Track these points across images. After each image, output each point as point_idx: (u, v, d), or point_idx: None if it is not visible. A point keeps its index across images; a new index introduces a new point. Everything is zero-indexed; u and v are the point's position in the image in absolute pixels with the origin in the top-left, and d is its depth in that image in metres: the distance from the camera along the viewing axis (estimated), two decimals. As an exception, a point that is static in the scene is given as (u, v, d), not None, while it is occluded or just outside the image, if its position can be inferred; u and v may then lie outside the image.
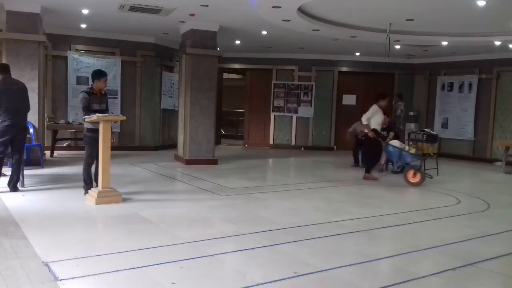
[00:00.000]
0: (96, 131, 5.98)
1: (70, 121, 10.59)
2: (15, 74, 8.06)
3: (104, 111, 6.16)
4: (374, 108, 8.55)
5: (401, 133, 11.34)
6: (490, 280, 3.87)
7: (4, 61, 8.40)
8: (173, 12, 8.72)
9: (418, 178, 8.01)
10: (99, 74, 6.30)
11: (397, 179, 9.02)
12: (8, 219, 4.93)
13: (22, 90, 6.47)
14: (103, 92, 6.30)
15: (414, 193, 7.69)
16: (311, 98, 14.09)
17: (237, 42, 11.86)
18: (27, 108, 6.56)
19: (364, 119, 8.55)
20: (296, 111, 14.18)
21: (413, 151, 8.27)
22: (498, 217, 6.05)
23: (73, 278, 3.36)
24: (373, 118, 8.50)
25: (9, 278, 3.31)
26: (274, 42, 11.87)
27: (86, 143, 6.26)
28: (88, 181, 6.22)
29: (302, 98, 14.13)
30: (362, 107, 12.82)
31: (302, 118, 14.19)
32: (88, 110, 6.08)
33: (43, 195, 6.28)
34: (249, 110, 14.67)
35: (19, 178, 6.40)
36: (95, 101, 6.16)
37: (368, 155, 8.88)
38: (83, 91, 6.33)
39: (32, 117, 8.45)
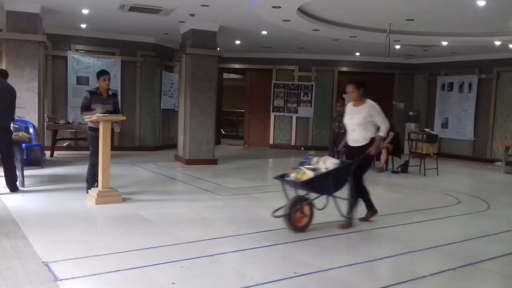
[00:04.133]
0: (96, 130, 6.00)
1: (70, 121, 10.59)
2: (15, 74, 8.11)
3: (110, 112, 6.09)
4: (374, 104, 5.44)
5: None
6: (490, 280, 3.87)
7: (4, 61, 8.41)
8: (173, 12, 8.72)
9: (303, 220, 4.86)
10: (98, 74, 6.33)
11: (397, 179, 9.03)
12: (8, 219, 4.93)
13: (6, 92, 6.28)
14: (110, 93, 6.29)
15: (414, 193, 7.69)
16: (311, 98, 14.09)
17: (237, 42, 11.86)
18: (11, 111, 6.36)
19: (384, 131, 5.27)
20: (296, 111, 14.18)
21: (300, 175, 4.80)
22: (498, 217, 6.05)
23: (73, 278, 3.36)
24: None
25: (9, 278, 3.31)
26: (274, 42, 11.87)
27: (88, 142, 6.32)
28: (90, 181, 6.21)
29: (302, 98, 14.13)
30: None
31: (302, 118, 14.19)
32: (85, 109, 6.09)
33: (43, 195, 6.27)
34: (249, 110, 14.67)
35: (16, 177, 6.36)
36: (98, 101, 6.13)
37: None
38: (87, 90, 6.38)
39: (32, 117, 8.48)
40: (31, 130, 8.41)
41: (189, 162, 9.76)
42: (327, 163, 4.89)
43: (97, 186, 6.01)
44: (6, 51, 8.46)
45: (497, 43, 10.15)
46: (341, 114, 10.90)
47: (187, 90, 9.91)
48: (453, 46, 11.08)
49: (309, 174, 4.74)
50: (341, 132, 10.75)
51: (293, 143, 14.21)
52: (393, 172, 9.71)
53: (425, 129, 10.42)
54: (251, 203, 6.36)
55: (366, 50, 12.57)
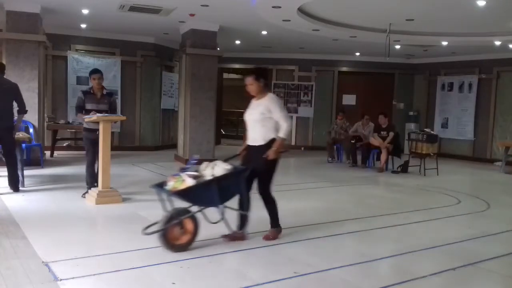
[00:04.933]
0: (89, 130, 6.03)
1: (70, 121, 10.59)
2: (15, 74, 8.11)
3: (105, 111, 6.09)
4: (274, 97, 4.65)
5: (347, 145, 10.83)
6: (490, 280, 3.86)
7: (4, 61, 8.37)
8: (173, 12, 8.72)
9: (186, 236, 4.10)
10: (89, 73, 6.34)
11: (397, 179, 9.03)
12: (8, 219, 4.93)
13: (9, 91, 6.24)
14: (104, 92, 6.28)
15: (414, 193, 7.69)
16: (311, 98, 14.09)
17: (237, 42, 11.86)
18: (22, 109, 6.35)
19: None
20: (296, 111, 14.18)
21: (179, 183, 4.12)
22: (498, 217, 6.05)
23: (73, 278, 3.36)
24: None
25: (9, 278, 3.31)
26: (274, 42, 11.87)
27: (83, 142, 6.35)
28: (88, 181, 6.20)
29: (302, 98, 14.13)
30: (362, 107, 12.87)
31: (302, 118, 14.19)
32: (80, 110, 6.11)
33: (43, 195, 6.27)
34: (249, 110, 14.63)
35: (18, 177, 6.37)
36: (92, 101, 6.13)
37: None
38: (81, 90, 6.42)
39: (32, 117, 8.47)
40: (31, 130, 8.42)
41: (189, 162, 9.75)
42: (216, 170, 4.22)
43: (97, 186, 6.02)
44: (6, 51, 8.46)
45: (497, 43, 10.16)
46: (341, 127, 11.06)
47: (187, 90, 9.91)
48: (453, 46, 11.08)
49: (189, 182, 4.05)
50: (341, 138, 10.87)
51: (293, 143, 14.19)
52: (393, 172, 9.71)
53: (425, 129, 10.42)
54: (251, 203, 6.33)
55: (366, 50, 12.57)
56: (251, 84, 4.58)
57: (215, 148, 10.32)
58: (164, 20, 9.35)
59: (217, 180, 4.12)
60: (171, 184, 4.10)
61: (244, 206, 4.39)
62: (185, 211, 4.13)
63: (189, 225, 4.09)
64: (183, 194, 4.02)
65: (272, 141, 4.36)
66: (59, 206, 5.70)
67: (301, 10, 8.43)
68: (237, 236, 4.42)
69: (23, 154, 7.25)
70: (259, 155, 4.34)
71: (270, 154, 4.31)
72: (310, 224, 5.22)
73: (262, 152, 4.34)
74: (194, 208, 4.20)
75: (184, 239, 4.07)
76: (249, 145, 4.59)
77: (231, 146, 14.57)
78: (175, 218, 4.01)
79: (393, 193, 7.68)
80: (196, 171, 4.26)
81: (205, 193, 4.11)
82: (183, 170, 4.28)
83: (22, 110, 6.43)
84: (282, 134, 4.38)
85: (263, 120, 4.41)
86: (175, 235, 4.02)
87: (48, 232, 4.54)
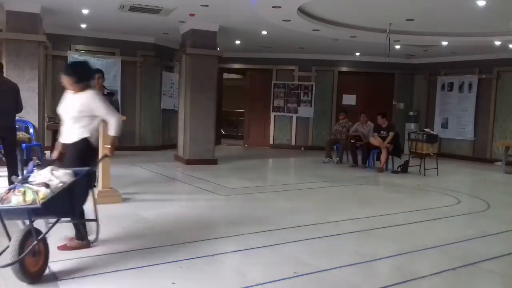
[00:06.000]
0: None
1: (70, 121, 10.58)
2: (15, 74, 8.11)
3: None
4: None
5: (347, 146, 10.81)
6: (490, 280, 3.87)
7: (4, 61, 8.37)
8: (173, 12, 8.72)
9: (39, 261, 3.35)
10: None
11: (397, 179, 9.03)
12: (8, 219, 4.92)
13: (10, 91, 6.20)
14: (105, 93, 6.28)
15: (414, 193, 7.69)
16: (311, 98, 14.09)
17: (237, 42, 11.86)
18: (19, 108, 6.32)
19: None
20: (296, 111, 14.19)
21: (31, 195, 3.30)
22: (498, 217, 6.05)
23: (73, 278, 3.36)
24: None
25: (9, 278, 3.30)
26: (274, 42, 11.87)
27: None
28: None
29: (302, 98, 14.13)
30: (362, 107, 12.87)
31: (302, 118, 14.19)
32: None
33: (43, 195, 6.26)
34: (249, 110, 14.67)
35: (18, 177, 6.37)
36: None
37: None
38: None
39: (32, 117, 8.47)
40: (31, 130, 8.41)
41: (189, 162, 9.76)
42: (61, 175, 3.54)
43: (96, 186, 6.00)
44: (6, 51, 8.45)
45: (497, 43, 10.16)
46: (344, 126, 11.06)
47: (187, 90, 9.91)
48: (453, 46, 11.08)
49: (44, 192, 3.29)
50: (343, 138, 10.87)
51: (293, 143, 14.21)
52: (393, 172, 9.71)
53: (425, 129, 10.41)
54: (251, 203, 6.36)
55: (366, 50, 12.57)
56: (70, 85, 4.14)
57: (215, 148, 10.31)
58: (164, 20, 9.35)
59: (72, 185, 3.52)
60: (17, 199, 3.27)
61: (80, 212, 3.97)
62: (36, 232, 3.36)
63: (41, 246, 3.37)
64: (47, 206, 3.28)
65: (83, 140, 3.95)
66: (59, 206, 5.68)
67: (301, 10, 8.43)
68: (75, 246, 3.99)
69: (23, 154, 7.24)
70: (69, 155, 3.97)
71: (109, 152, 4.06)
72: (310, 224, 5.23)
73: (71, 151, 3.97)
74: (43, 226, 3.59)
75: (40, 263, 3.34)
76: (62, 143, 4.10)
77: (231, 146, 14.60)
78: (29, 242, 3.24)
79: (393, 193, 7.68)
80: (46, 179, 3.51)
81: (66, 202, 3.52)
82: (24, 180, 3.49)
83: (19, 110, 6.42)
84: (113, 131, 4.06)
85: (80, 117, 4.00)
86: (32, 261, 3.26)
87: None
